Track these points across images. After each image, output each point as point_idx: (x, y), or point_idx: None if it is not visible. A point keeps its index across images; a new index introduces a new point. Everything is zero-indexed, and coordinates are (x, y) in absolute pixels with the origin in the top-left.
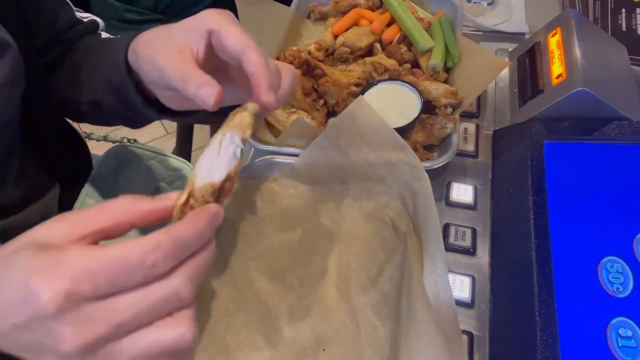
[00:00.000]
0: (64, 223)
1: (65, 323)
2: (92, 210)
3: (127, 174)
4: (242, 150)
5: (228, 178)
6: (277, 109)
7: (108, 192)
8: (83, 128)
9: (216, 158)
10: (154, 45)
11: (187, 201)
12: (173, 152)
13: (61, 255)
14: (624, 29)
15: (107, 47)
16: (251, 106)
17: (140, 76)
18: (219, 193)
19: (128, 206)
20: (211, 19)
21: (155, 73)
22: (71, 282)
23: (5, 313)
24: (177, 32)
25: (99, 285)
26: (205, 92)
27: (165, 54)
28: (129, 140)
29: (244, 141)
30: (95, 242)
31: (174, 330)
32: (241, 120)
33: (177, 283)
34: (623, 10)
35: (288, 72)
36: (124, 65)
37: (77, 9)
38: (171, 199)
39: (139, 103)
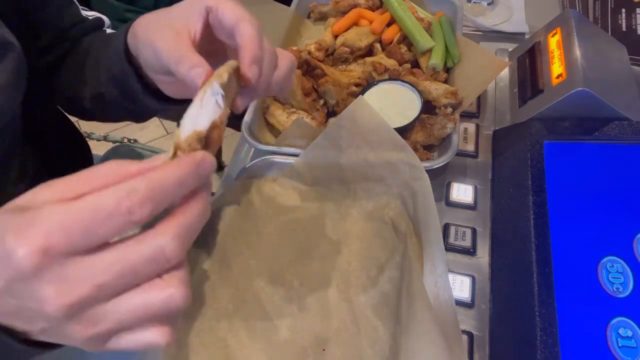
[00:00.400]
0: (49, 189)
1: (45, 282)
2: (79, 176)
3: None
4: (223, 97)
5: (214, 126)
6: (277, 109)
7: None
8: (83, 127)
9: (199, 111)
10: (152, 28)
11: (174, 154)
12: None
13: (36, 213)
14: (624, 29)
15: (110, 40)
16: (229, 62)
17: (139, 61)
18: (206, 142)
19: (116, 170)
20: None
21: (152, 56)
22: (45, 237)
23: None
24: (176, 14)
25: (74, 238)
26: (196, 73)
27: (163, 37)
28: (129, 140)
29: (223, 86)
30: None
31: (162, 292)
32: (217, 72)
33: (162, 240)
34: (623, 10)
35: (286, 58)
36: (123, 51)
37: (82, 7)
38: (160, 159)
39: (139, 91)
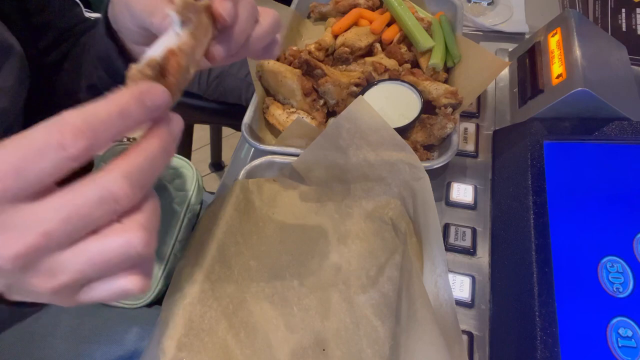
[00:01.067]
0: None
1: None
2: (30, 129)
3: None
4: (181, 24)
5: (170, 54)
6: (277, 109)
7: None
8: None
9: (157, 44)
10: None
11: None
12: None
13: None
14: (624, 29)
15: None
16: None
17: (121, 37)
18: (162, 71)
19: (65, 114)
20: None
21: (129, 19)
22: None
23: None
24: None
25: (6, 182)
26: (169, 21)
27: None
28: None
29: (178, 11)
30: None
31: (119, 238)
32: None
33: (109, 180)
34: (623, 10)
35: (270, 15)
36: (104, 25)
37: (86, 9)
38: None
39: (122, 68)
